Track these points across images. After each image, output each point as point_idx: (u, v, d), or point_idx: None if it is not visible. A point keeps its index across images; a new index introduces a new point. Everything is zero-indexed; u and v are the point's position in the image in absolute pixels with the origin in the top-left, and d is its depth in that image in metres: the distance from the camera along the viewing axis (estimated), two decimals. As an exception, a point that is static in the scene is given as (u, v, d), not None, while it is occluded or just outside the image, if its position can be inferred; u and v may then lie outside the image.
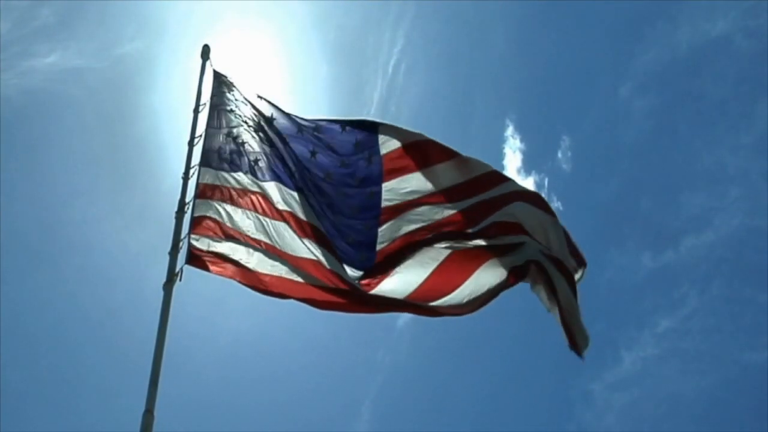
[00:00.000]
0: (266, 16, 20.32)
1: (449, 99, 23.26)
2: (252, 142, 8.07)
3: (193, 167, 7.82)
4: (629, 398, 20.87)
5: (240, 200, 7.73)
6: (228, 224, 7.58)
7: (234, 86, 8.39)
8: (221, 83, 8.42)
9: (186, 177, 7.77)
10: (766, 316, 20.31)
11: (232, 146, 8.01)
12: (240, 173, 7.88)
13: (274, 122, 8.14)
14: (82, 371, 17.88)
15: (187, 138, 8.07)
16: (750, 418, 19.78)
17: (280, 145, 8.02)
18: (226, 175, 7.83)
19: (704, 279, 21.59)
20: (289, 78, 18.87)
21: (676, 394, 20.83)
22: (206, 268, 7.33)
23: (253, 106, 8.25)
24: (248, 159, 7.98)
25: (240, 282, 7.41)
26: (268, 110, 8.22)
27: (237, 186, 7.80)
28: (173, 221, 7.55)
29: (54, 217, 18.63)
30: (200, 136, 8.02)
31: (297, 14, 20.90)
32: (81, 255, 18.44)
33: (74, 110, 19.35)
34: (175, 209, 7.59)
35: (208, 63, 8.60)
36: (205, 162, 7.84)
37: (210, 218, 7.55)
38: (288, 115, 8.21)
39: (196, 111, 8.24)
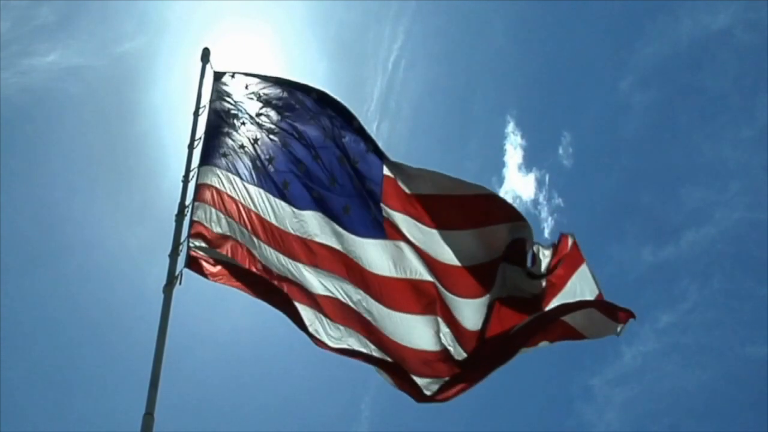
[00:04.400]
0: (266, 13, 20.28)
1: (449, 95, 23.23)
2: (252, 145, 8.01)
3: (192, 170, 7.79)
4: (630, 393, 20.87)
5: (231, 208, 7.67)
6: (224, 231, 7.54)
7: (233, 88, 8.35)
8: (221, 84, 8.38)
9: (186, 180, 7.75)
10: (767, 310, 20.33)
11: (232, 148, 7.97)
12: (236, 177, 7.83)
13: (280, 118, 8.09)
14: (82, 373, 17.89)
15: (187, 137, 8.06)
16: (751, 413, 19.79)
17: (284, 146, 7.97)
18: (224, 174, 7.79)
19: (705, 273, 21.58)
20: (288, 74, 18.73)
21: (677, 388, 20.83)
22: (204, 274, 7.30)
23: (256, 107, 8.21)
24: (248, 163, 7.92)
25: (237, 288, 7.38)
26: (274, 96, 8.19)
27: (232, 192, 7.73)
28: (173, 222, 7.52)
29: (54, 217, 18.62)
30: (200, 138, 8.00)
31: (297, 10, 20.85)
32: (80, 255, 18.43)
33: (74, 109, 19.34)
34: (175, 212, 7.57)
35: (207, 66, 8.57)
36: (204, 162, 7.80)
37: (206, 224, 7.50)
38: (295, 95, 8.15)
39: (196, 114, 8.22)
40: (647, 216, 22.43)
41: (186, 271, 7.21)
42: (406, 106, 22.16)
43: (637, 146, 22.98)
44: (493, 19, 22.95)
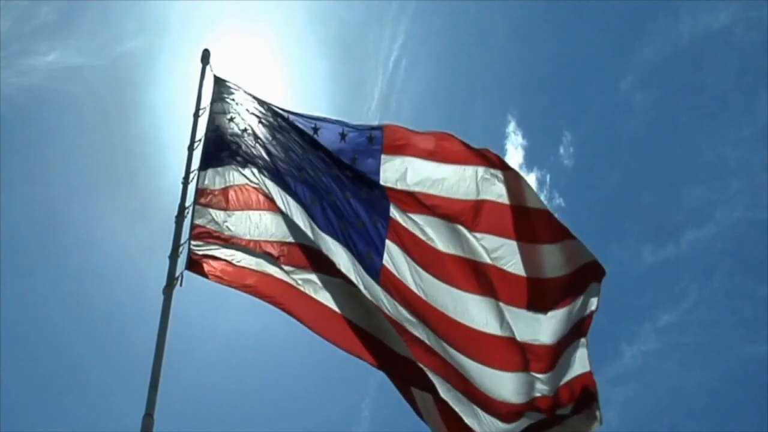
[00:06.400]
0: (267, 12, 20.32)
1: (450, 95, 23.26)
2: (252, 148, 8.00)
3: (192, 171, 7.76)
4: (630, 392, 20.85)
5: (240, 197, 7.67)
6: (226, 231, 7.52)
7: (234, 91, 8.35)
8: (221, 88, 8.36)
9: (186, 182, 7.72)
10: (767, 310, 20.34)
11: (232, 150, 7.95)
12: (240, 168, 7.81)
13: (280, 131, 8.08)
14: (82, 373, 17.91)
15: (187, 137, 8.04)
16: (751, 412, 19.81)
17: (283, 155, 7.98)
18: (224, 169, 7.76)
19: (705, 272, 21.62)
20: (289, 74, 18.91)
21: (677, 388, 20.86)
22: (205, 275, 7.28)
23: (256, 112, 8.20)
24: (248, 164, 7.92)
25: (240, 289, 7.36)
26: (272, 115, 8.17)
27: (237, 182, 7.72)
28: (173, 224, 7.50)
29: (54, 217, 18.64)
30: (200, 140, 7.97)
31: (297, 10, 20.87)
32: (81, 255, 18.46)
33: (74, 109, 19.37)
34: (175, 213, 7.54)
35: (208, 67, 8.54)
36: (204, 165, 7.76)
37: (208, 226, 7.48)
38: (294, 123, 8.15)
39: (196, 115, 8.18)
40: (648, 215, 22.48)
41: (186, 271, 7.18)
42: (407, 105, 22.16)
43: (637, 146, 23.03)
44: (493, 18, 22.99)
